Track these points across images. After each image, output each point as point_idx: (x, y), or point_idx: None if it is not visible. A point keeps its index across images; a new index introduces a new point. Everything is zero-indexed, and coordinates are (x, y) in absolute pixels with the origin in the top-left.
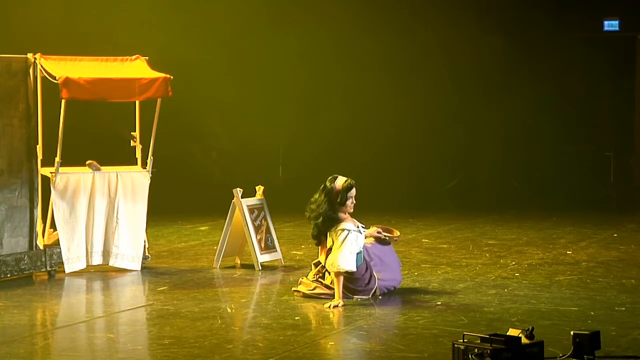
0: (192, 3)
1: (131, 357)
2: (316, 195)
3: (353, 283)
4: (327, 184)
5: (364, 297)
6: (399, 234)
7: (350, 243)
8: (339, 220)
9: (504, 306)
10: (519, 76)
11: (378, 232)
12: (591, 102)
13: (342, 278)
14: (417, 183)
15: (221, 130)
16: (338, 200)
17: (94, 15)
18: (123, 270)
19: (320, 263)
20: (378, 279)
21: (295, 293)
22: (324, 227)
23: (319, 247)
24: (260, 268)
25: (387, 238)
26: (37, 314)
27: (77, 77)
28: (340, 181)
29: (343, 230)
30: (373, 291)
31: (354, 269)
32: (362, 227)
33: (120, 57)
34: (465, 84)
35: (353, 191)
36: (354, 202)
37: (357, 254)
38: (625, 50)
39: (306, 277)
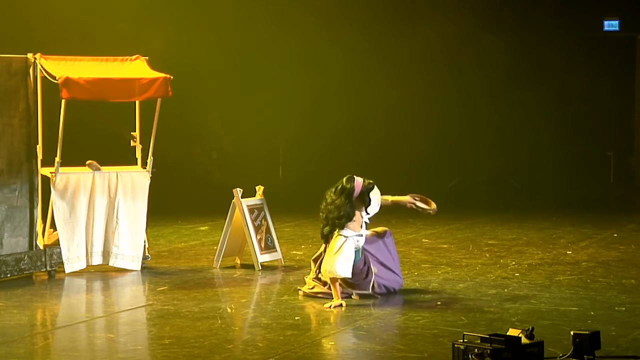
0: (193, 3)
1: (131, 357)
2: (333, 196)
3: (351, 277)
4: (347, 185)
5: (364, 292)
6: (434, 207)
7: (348, 249)
8: (348, 222)
9: (504, 306)
10: (519, 76)
11: (413, 201)
12: (591, 102)
13: (337, 282)
14: (417, 183)
15: (221, 130)
16: (364, 201)
17: (94, 15)
18: (123, 270)
19: (319, 258)
20: (375, 274)
21: (300, 292)
22: (340, 226)
23: (326, 245)
24: (260, 268)
25: (421, 210)
26: (37, 314)
27: (77, 77)
28: (360, 182)
29: (340, 236)
30: (371, 284)
31: (349, 276)
32: (366, 222)
33: (120, 57)
34: (465, 83)
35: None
36: None
37: (356, 251)
38: (625, 50)
39: (308, 275)
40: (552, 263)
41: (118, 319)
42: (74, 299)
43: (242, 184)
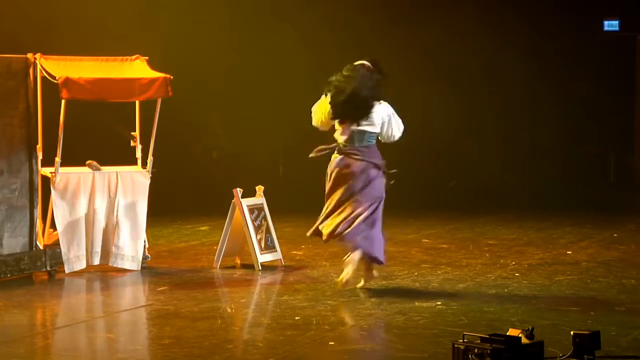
0: (193, 3)
1: (131, 357)
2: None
3: None
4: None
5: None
6: None
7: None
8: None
9: (504, 306)
10: (518, 76)
11: None
12: (591, 102)
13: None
14: (416, 183)
15: (221, 130)
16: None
17: (94, 15)
18: (123, 270)
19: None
20: None
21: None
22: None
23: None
24: (260, 268)
25: None
26: (37, 314)
27: (77, 77)
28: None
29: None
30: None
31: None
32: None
33: (120, 57)
34: (465, 83)
35: None
36: None
37: None
38: (625, 50)
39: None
40: (552, 263)
41: (118, 319)
42: (74, 299)
43: (242, 184)
